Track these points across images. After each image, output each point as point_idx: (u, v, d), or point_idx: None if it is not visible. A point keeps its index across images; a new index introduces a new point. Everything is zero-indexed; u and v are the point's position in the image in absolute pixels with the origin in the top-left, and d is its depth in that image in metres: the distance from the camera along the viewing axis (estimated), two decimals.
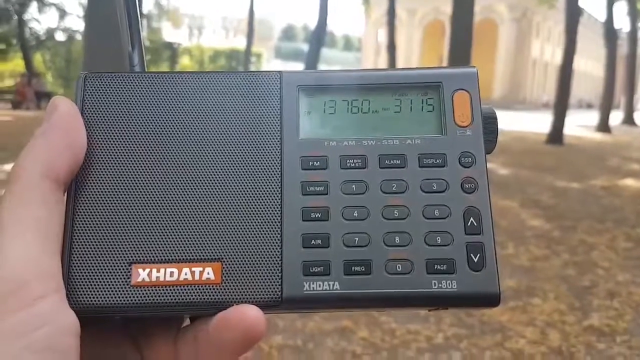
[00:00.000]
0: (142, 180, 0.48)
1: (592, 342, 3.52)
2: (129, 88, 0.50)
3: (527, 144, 15.82)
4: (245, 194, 0.48)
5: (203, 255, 0.46)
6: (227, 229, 0.47)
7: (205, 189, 0.48)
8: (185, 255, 0.46)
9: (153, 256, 0.46)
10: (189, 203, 0.47)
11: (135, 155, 0.48)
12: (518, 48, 54.20)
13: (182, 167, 0.48)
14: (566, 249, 5.53)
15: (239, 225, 0.47)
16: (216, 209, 0.47)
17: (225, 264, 0.46)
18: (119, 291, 0.45)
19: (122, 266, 0.46)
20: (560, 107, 16.34)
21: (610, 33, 22.68)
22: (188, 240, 0.47)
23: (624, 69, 28.40)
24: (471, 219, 0.48)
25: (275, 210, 0.48)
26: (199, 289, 0.46)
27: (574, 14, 16.60)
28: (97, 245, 0.46)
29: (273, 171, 0.49)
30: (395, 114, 0.52)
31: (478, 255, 0.47)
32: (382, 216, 0.48)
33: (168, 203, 0.47)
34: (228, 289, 0.46)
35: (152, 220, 0.47)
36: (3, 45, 28.61)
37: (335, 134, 0.51)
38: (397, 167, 0.50)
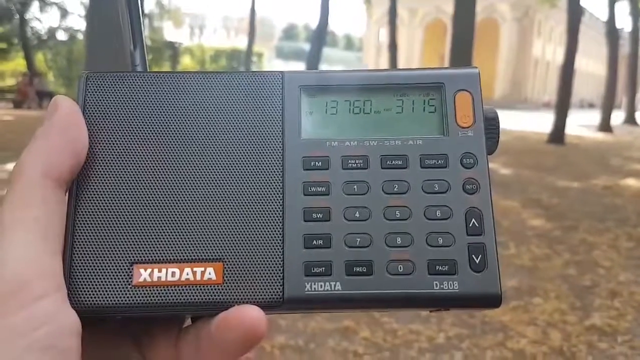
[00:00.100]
0: (143, 180, 0.48)
1: (593, 341, 3.52)
2: (131, 88, 0.50)
3: (529, 144, 15.82)
4: (247, 194, 0.48)
5: (204, 256, 0.46)
6: (229, 229, 0.47)
7: (206, 189, 0.48)
8: (187, 255, 0.46)
9: (154, 256, 0.46)
10: (191, 203, 0.47)
11: (136, 155, 0.48)
12: (520, 47, 54.18)
13: (184, 167, 0.48)
14: (567, 248, 5.52)
15: (241, 226, 0.47)
16: (218, 209, 0.47)
17: (227, 264, 0.46)
18: (121, 291, 0.45)
19: (123, 266, 0.46)
20: (562, 107, 16.33)
21: (612, 32, 22.66)
22: (189, 240, 0.47)
23: (626, 68, 28.37)
24: (473, 219, 0.48)
25: (277, 211, 0.48)
26: (201, 289, 0.46)
27: (575, 13, 16.59)
28: (98, 245, 0.46)
29: (275, 171, 0.49)
30: (397, 115, 0.52)
31: (479, 256, 0.47)
32: (384, 217, 0.48)
33: (169, 203, 0.47)
34: (229, 289, 0.46)
35: (154, 220, 0.47)
36: (5, 44, 28.64)
37: (337, 134, 0.51)
38: (398, 167, 0.50)
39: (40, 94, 21.28)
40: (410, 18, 57.35)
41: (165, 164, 0.48)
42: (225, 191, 0.48)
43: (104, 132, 0.49)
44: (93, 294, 0.45)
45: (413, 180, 0.49)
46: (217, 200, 0.48)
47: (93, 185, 0.47)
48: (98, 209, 0.47)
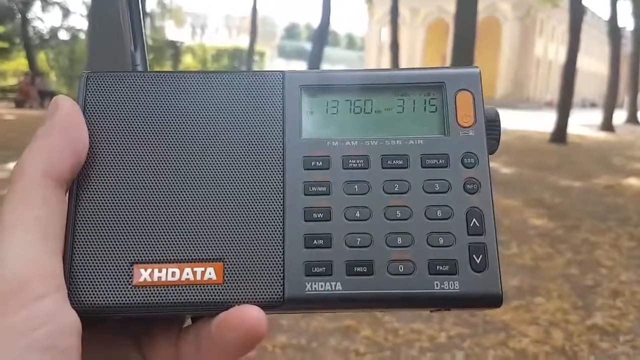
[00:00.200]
0: (144, 180, 0.48)
1: (595, 341, 3.52)
2: (131, 87, 0.50)
3: (531, 143, 15.81)
4: (248, 193, 0.48)
5: (205, 255, 0.46)
6: (229, 229, 0.47)
7: (207, 188, 0.48)
8: (187, 255, 0.46)
9: (155, 256, 0.46)
10: (191, 203, 0.47)
11: (137, 155, 0.48)
12: (521, 47, 54.14)
13: (184, 166, 0.48)
14: (569, 248, 5.52)
15: (241, 225, 0.47)
16: (218, 208, 0.47)
17: (227, 264, 0.46)
18: (121, 291, 0.45)
19: (123, 266, 0.46)
20: (564, 106, 16.32)
21: (614, 32, 22.65)
22: (190, 240, 0.47)
23: (628, 67, 28.37)
24: (474, 219, 0.48)
25: (278, 210, 0.48)
26: (201, 289, 0.46)
27: (577, 13, 16.58)
28: (98, 245, 0.46)
29: (275, 171, 0.49)
30: (398, 114, 0.52)
31: (480, 256, 0.47)
32: (385, 216, 0.48)
33: (170, 203, 0.47)
34: (230, 289, 0.46)
35: (154, 220, 0.47)
36: (6, 44, 28.67)
37: (338, 134, 0.51)
38: (399, 167, 0.49)
39: (42, 94, 21.32)
40: (412, 17, 57.35)
41: (166, 163, 0.48)
42: (226, 191, 0.48)
43: (104, 132, 0.49)
44: (93, 294, 0.45)
45: (414, 180, 0.49)
46: (217, 200, 0.48)
47: (93, 185, 0.47)
48: (98, 208, 0.47)
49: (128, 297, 0.45)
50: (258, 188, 0.48)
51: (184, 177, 0.48)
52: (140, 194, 0.47)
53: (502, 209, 6.91)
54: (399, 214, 0.48)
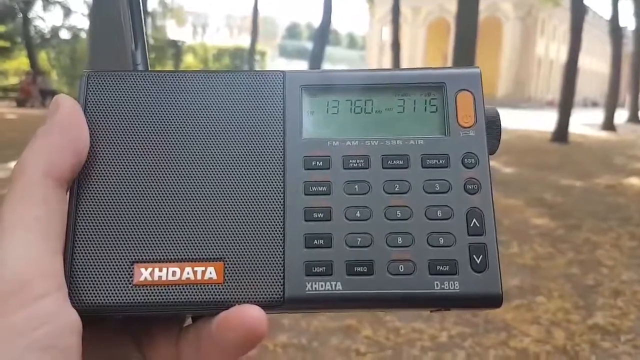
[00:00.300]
0: (144, 179, 0.48)
1: (596, 341, 3.51)
2: (132, 87, 0.50)
3: (532, 143, 15.80)
4: (248, 193, 0.48)
5: (205, 255, 0.46)
6: (230, 228, 0.47)
7: (207, 188, 0.48)
8: (188, 255, 0.46)
9: (155, 255, 0.46)
10: (191, 202, 0.47)
11: (137, 154, 0.48)
12: (523, 46, 54.13)
13: (184, 166, 0.48)
14: (570, 247, 5.52)
15: (242, 225, 0.47)
16: (218, 208, 0.47)
17: (228, 264, 0.46)
18: (121, 290, 0.45)
19: (124, 265, 0.46)
20: (565, 106, 16.30)
21: (615, 31, 22.62)
22: (190, 240, 0.47)
23: (629, 67, 28.33)
24: (474, 220, 0.48)
25: (278, 210, 0.48)
26: (201, 289, 0.46)
27: (579, 12, 16.56)
28: (99, 244, 0.46)
29: (276, 171, 0.49)
30: (399, 114, 0.52)
31: (480, 256, 0.47)
32: (385, 216, 0.48)
33: (170, 202, 0.47)
34: (230, 288, 0.46)
35: (155, 220, 0.47)
36: (8, 43, 28.68)
37: (338, 134, 0.51)
38: (399, 167, 0.49)
39: (43, 93, 21.34)
40: (414, 17, 57.35)
41: (166, 163, 0.48)
42: (226, 190, 0.48)
43: (105, 131, 0.49)
44: (94, 293, 0.45)
45: (414, 180, 0.49)
46: (218, 199, 0.48)
47: (94, 185, 0.47)
48: (99, 208, 0.47)
49: (128, 296, 0.45)
50: (258, 188, 0.48)
51: (184, 177, 0.48)
52: (141, 193, 0.47)
53: (504, 208, 6.91)
54: (399, 214, 0.48)
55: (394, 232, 0.48)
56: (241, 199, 0.48)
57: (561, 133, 16.21)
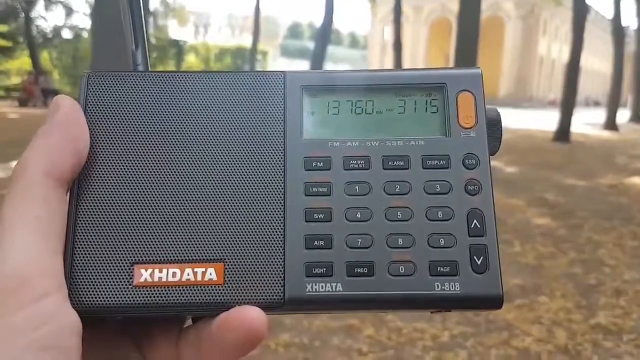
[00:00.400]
0: (144, 180, 0.48)
1: (598, 340, 3.51)
2: (132, 87, 0.50)
3: (534, 142, 15.79)
4: (248, 194, 0.48)
5: (205, 256, 0.46)
6: (230, 229, 0.47)
7: (208, 189, 0.48)
8: (188, 256, 0.46)
9: (155, 256, 0.46)
10: (192, 203, 0.47)
11: (138, 155, 0.48)
12: (525, 45, 54.11)
13: (185, 166, 0.48)
14: (573, 247, 5.51)
15: (242, 226, 0.47)
16: (219, 209, 0.47)
17: (228, 265, 0.46)
18: (121, 291, 0.45)
19: (124, 266, 0.46)
20: (567, 105, 16.30)
21: (617, 30, 22.59)
22: (191, 241, 0.47)
23: (632, 66, 28.29)
24: (474, 221, 0.48)
25: (278, 211, 0.48)
26: (201, 290, 0.45)
27: (581, 11, 16.54)
28: (99, 245, 0.46)
29: (276, 172, 0.49)
30: (399, 115, 0.52)
31: (481, 257, 0.47)
32: (385, 217, 0.48)
33: (170, 203, 0.47)
34: (230, 289, 0.46)
35: (155, 221, 0.47)
36: (10, 43, 28.67)
37: (339, 134, 0.51)
38: (400, 168, 0.49)
39: (45, 92, 21.36)
40: (415, 16, 57.35)
41: (166, 163, 0.48)
42: (227, 191, 0.48)
43: (105, 132, 0.49)
44: (94, 294, 0.45)
45: (415, 181, 0.49)
46: (218, 200, 0.48)
47: (94, 185, 0.47)
48: (99, 208, 0.47)
49: (128, 297, 0.45)
50: (259, 188, 0.48)
51: (184, 177, 0.48)
52: (141, 194, 0.47)
53: (506, 208, 6.90)
54: (399, 215, 0.48)
55: (394, 233, 0.47)
56: (241, 200, 0.48)
57: (563, 132, 16.21)
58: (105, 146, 0.48)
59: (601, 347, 3.43)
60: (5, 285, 0.38)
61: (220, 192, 0.48)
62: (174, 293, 0.45)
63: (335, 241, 0.47)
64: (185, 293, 0.45)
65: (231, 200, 0.48)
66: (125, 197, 0.47)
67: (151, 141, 0.49)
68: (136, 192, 0.47)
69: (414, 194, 0.49)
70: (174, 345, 0.48)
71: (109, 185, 0.47)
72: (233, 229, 0.47)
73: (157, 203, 0.47)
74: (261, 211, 0.48)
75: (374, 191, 0.49)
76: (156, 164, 0.48)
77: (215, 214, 0.47)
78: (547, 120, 22.78)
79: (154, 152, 0.48)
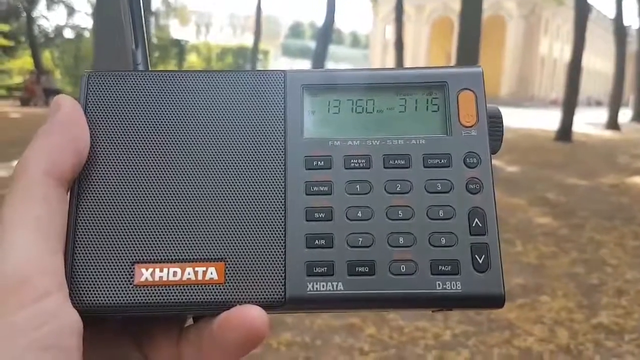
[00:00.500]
0: (145, 179, 0.48)
1: (600, 340, 3.51)
2: (132, 86, 0.50)
3: (536, 141, 15.78)
4: (249, 193, 0.48)
5: (206, 255, 0.46)
6: (231, 228, 0.47)
7: (208, 188, 0.48)
8: (189, 255, 0.46)
9: (156, 256, 0.46)
10: (192, 202, 0.47)
11: (138, 154, 0.48)
12: (526, 45, 54.07)
13: (185, 166, 0.48)
14: (574, 246, 5.51)
15: (243, 225, 0.47)
16: (219, 208, 0.47)
17: (229, 264, 0.46)
18: (122, 291, 0.45)
19: (125, 266, 0.46)
20: (569, 105, 16.29)
21: (619, 30, 22.58)
22: (191, 240, 0.46)
23: (634, 66, 28.28)
24: (476, 219, 0.48)
25: (279, 210, 0.48)
26: (202, 289, 0.45)
27: (583, 11, 16.54)
28: (100, 244, 0.46)
29: (277, 171, 0.49)
30: (400, 114, 0.52)
31: (483, 256, 0.47)
32: (387, 216, 0.48)
33: (171, 202, 0.47)
34: (231, 289, 0.45)
35: (155, 220, 0.47)
36: (12, 42, 28.70)
37: (340, 133, 0.51)
38: (401, 167, 0.49)
39: (47, 92, 21.38)
40: (417, 15, 57.32)
41: (167, 163, 0.48)
42: (227, 190, 0.48)
43: (105, 131, 0.49)
44: (94, 293, 0.45)
45: (416, 180, 0.49)
46: (218, 199, 0.47)
47: (95, 184, 0.47)
48: (100, 208, 0.47)
49: (129, 296, 0.45)
50: (259, 188, 0.48)
51: (185, 177, 0.48)
52: (142, 193, 0.47)
53: (507, 207, 6.90)
54: (400, 214, 0.48)
55: (395, 232, 0.47)
56: (242, 199, 0.48)
57: (565, 132, 16.20)
58: (106, 145, 0.48)
59: (603, 347, 3.43)
60: (6, 285, 0.38)
61: (220, 191, 0.48)
62: (175, 292, 0.45)
63: (336, 240, 0.47)
64: (186, 292, 0.45)
65: (232, 199, 0.48)
66: (125, 197, 0.47)
67: (151, 140, 0.49)
68: (137, 191, 0.47)
69: (415, 192, 0.49)
70: (175, 344, 0.48)
71: (109, 185, 0.47)
72: (234, 228, 0.47)
73: (157, 202, 0.47)
74: (262, 210, 0.48)
75: (374, 190, 0.49)
76: (156, 163, 0.48)
77: (215, 213, 0.47)
78: (548, 120, 22.77)
79: (154, 152, 0.48)
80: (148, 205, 0.47)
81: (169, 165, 0.48)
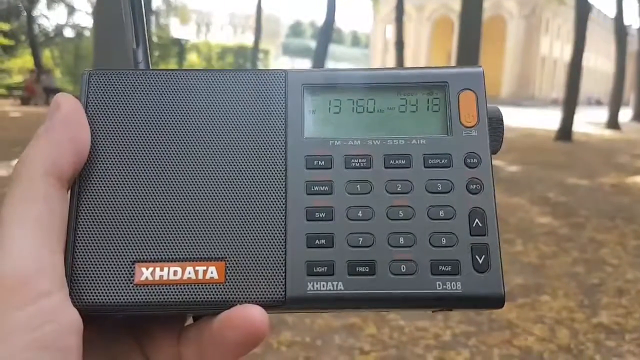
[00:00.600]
0: (145, 179, 0.48)
1: (601, 339, 3.51)
2: (133, 85, 0.50)
3: (536, 141, 15.79)
4: (249, 193, 0.48)
5: (207, 255, 0.46)
6: (231, 228, 0.47)
7: (208, 187, 0.48)
8: (189, 254, 0.46)
9: (156, 255, 0.46)
10: (193, 202, 0.47)
11: (138, 153, 0.48)
12: (527, 44, 54.06)
13: (186, 165, 0.48)
14: (575, 246, 5.51)
15: (243, 225, 0.47)
16: (220, 207, 0.47)
17: (229, 263, 0.46)
18: (122, 290, 0.45)
19: (125, 265, 0.46)
20: (570, 104, 16.29)
21: (620, 29, 22.58)
22: (192, 239, 0.46)
23: (634, 65, 28.26)
24: (476, 219, 0.48)
25: (280, 210, 0.48)
26: (203, 288, 0.45)
27: (583, 10, 16.54)
28: (100, 243, 0.46)
29: (277, 170, 0.49)
30: (401, 114, 0.52)
31: (483, 256, 0.47)
32: (387, 216, 0.48)
33: (171, 202, 0.47)
34: (231, 288, 0.45)
35: (156, 219, 0.47)
36: (12, 41, 28.68)
37: (340, 133, 0.51)
38: (402, 167, 0.49)
39: (47, 91, 21.35)
40: (418, 15, 57.32)
41: (167, 162, 0.48)
42: (228, 190, 0.48)
43: (106, 130, 0.49)
44: (95, 293, 0.45)
45: (416, 180, 0.49)
46: (219, 198, 0.47)
47: (95, 183, 0.47)
48: (100, 207, 0.47)
49: (129, 295, 0.45)
50: (260, 187, 0.48)
51: (185, 176, 0.48)
52: (142, 193, 0.47)
53: (508, 207, 6.90)
54: (401, 214, 0.48)
55: (396, 232, 0.47)
56: (242, 199, 0.48)
57: (565, 131, 16.21)
58: (106, 144, 0.48)
59: (603, 347, 3.43)
60: (6, 285, 0.38)
61: (221, 190, 0.48)
62: (175, 291, 0.45)
63: (336, 240, 0.47)
64: (186, 291, 0.45)
65: (232, 198, 0.48)
66: (126, 196, 0.47)
67: (152, 140, 0.49)
68: (137, 190, 0.47)
69: (416, 192, 0.49)
70: (175, 343, 0.48)
71: (109, 184, 0.47)
72: (234, 228, 0.47)
73: (158, 202, 0.47)
74: (262, 210, 0.47)
75: (375, 190, 0.49)
76: (157, 162, 0.48)
77: (216, 213, 0.47)
78: (549, 119, 22.78)
79: (154, 151, 0.48)
80: (148, 204, 0.47)
81: (169, 164, 0.48)
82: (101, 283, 0.45)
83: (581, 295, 4.25)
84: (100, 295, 0.45)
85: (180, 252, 0.46)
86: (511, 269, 4.62)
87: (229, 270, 0.46)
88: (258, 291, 0.46)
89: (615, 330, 3.64)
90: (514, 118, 22.85)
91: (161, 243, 0.46)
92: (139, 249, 0.46)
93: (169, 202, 0.47)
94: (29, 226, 0.40)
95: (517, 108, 34.31)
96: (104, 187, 0.47)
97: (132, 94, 0.50)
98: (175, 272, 0.46)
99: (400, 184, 0.49)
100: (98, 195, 0.47)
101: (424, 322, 3.60)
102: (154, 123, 0.49)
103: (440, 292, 0.46)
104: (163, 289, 0.45)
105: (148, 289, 0.45)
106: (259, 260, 0.46)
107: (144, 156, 0.48)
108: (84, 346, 0.41)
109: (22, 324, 0.37)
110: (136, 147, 0.48)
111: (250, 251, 0.46)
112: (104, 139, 0.48)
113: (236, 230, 0.47)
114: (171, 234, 0.46)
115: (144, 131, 0.49)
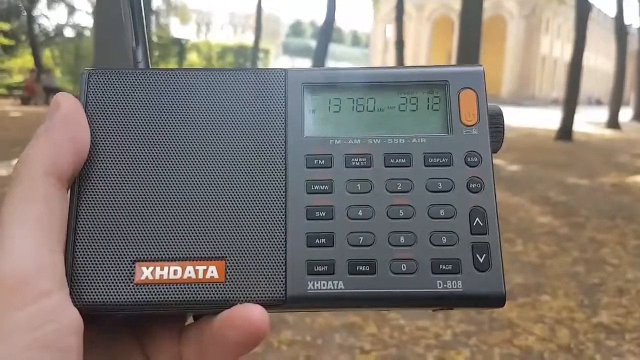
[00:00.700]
0: (145, 178, 0.48)
1: (601, 339, 3.51)
2: (133, 85, 0.50)
3: (537, 140, 15.79)
4: (250, 192, 0.48)
5: (207, 254, 0.46)
6: (231, 227, 0.47)
7: (209, 187, 0.48)
8: (189, 254, 0.46)
9: (157, 254, 0.46)
10: (193, 201, 0.47)
11: (138, 152, 0.48)
12: (527, 44, 54.06)
13: (186, 164, 0.48)
14: (575, 246, 5.51)
15: (243, 224, 0.47)
16: (220, 207, 0.47)
17: (229, 263, 0.46)
18: (123, 289, 0.45)
19: (125, 264, 0.46)
20: (570, 104, 16.29)
21: (620, 29, 22.57)
22: (192, 239, 0.46)
23: (634, 65, 28.26)
24: (477, 218, 0.48)
25: (280, 209, 0.48)
26: (203, 288, 0.45)
27: (583, 10, 16.54)
28: (100, 242, 0.46)
29: (277, 169, 0.49)
30: (401, 113, 0.52)
31: (484, 255, 0.47)
32: (387, 215, 0.48)
33: (171, 201, 0.47)
34: (232, 287, 0.45)
35: (156, 218, 0.47)
36: (12, 41, 28.67)
37: (340, 132, 0.51)
38: (402, 166, 0.49)
39: (47, 91, 21.34)
40: (418, 14, 57.32)
41: (167, 161, 0.48)
42: (228, 189, 0.48)
43: (106, 130, 0.49)
44: (95, 292, 0.45)
45: (417, 179, 0.49)
46: (219, 198, 0.47)
47: (95, 183, 0.47)
48: (100, 206, 0.47)
49: (130, 295, 0.45)
50: (260, 186, 0.48)
51: (185, 175, 0.48)
52: (142, 192, 0.47)
53: (508, 206, 6.90)
54: (401, 213, 0.48)
55: (396, 231, 0.47)
56: (243, 198, 0.48)
57: (566, 131, 16.21)
58: (106, 144, 0.48)
59: (604, 346, 3.43)
60: (6, 284, 0.38)
61: (221, 190, 0.48)
62: (176, 291, 0.45)
63: (336, 239, 0.47)
64: (186, 291, 0.45)
65: (232, 198, 0.47)
66: (126, 195, 0.47)
67: (152, 139, 0.49)
68: (137, 190, 0.47)
69: (416, 191, 0.48)
70: (175, 343, 0.48)
71: (109, 183, 0.47)
72: (234, 227, 0.47)
73: (158, 201, 0.47)
74: (263, 209, 0.47)
75: (375, 189, 0.48)
76: (157, 161, 0.48)
77: (216, 212, 0.47)
78: (549, 119, 22.79)
79: (154, 150, 0.48)
80: (149, 204, 0.47)
81: (169, 164, 0.48)
82: (101, 282, 0.45)
83: (581, 294, 4.25)
84: (100, 295, 0.45)
85: (181, 251, 0.46)
86: (511, 268, 4.62)
87: (229, 269, 0.46)
88: (258, 290, 0.46)
89: (615, 330, 3.64)
90: (515, 118, 22.86)
91: (161, 242, 0.46)
92: (139, 249, 0.46)
93: (169, 201, 0.47)
94: (29, 226, 0.40)
95: (517, 108, 34.32)
96: (104, 186, 0.47)
97: (131, 94, 0.50)
98: (175, 272, 0.46)
99: (401, 183, 0.49)
100: (98, 195, 0.47)
101: (425, 322, 3.60)
102: (153, 122, 0.49)
103: (441, 291, 0.46)
104: (163, 288, 0.45)
105: (148, 289, 0.45)
106: (259, 260, 0.46)
107: (144, 155, 0.48)
108: (84, 346, 0.41)
109: (22, 324, 0.37)
110: (136, 147, 0.48)
111: (251, 250, 0.46)
112: (103, 138, 0.48)
113: (236, 230, 0.47)
114: (171, 233, 0.46)
115: (144, 130, 0.49)
